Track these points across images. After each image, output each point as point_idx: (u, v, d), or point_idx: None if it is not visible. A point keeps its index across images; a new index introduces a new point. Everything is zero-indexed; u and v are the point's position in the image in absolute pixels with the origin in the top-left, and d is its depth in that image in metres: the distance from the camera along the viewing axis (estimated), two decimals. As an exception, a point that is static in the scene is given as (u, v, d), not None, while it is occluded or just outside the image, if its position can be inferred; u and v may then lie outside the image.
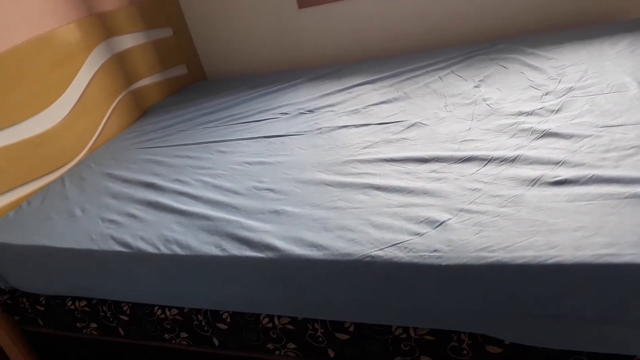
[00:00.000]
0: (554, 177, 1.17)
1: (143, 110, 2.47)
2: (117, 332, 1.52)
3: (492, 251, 1.00)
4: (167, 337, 1.45)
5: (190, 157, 1.81)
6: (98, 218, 1.53)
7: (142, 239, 1.37)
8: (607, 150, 1.21)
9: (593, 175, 1.13)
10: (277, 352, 1.32)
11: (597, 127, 1.32)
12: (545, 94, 1.58)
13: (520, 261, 0.96)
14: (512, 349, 1.05)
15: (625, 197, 1.04)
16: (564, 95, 1.54)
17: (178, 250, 1.29)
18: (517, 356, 1.05)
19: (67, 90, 2.01)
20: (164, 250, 1.31)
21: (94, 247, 1.40)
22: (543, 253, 0.96)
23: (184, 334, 1.42)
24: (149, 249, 1.33)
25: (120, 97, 2.32)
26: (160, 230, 1.38)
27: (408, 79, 2.03)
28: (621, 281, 0.90)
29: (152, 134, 2.14)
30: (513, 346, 1.04)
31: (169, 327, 1.42)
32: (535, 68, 1.79)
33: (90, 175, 1.86)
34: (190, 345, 1.43)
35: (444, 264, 1.02)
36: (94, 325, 1.53)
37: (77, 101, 2.06)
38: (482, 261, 0.99)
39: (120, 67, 2.31)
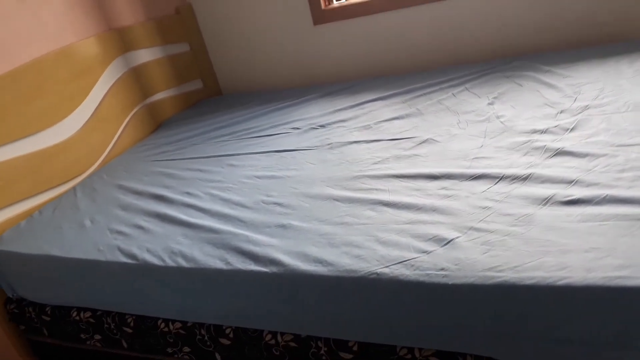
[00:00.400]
0: (566, 197, 1.13)
1: (158, 124, 2.49)
2: (120, 345, 1.51)
3: (501, 271, 0.97)
4: (170, 351, 1.43)
5: (201, 171, 1.82)
6: (107, 229, 1.54)
7: (149, 250, 1.37)
8: (622, 170, 1.17)
9: (607, 195, 1.10)
10: (280, 370, 1.30)
11: (612, 146, 1.28)
12: (560, 112, 1.55)
13: (529, 282, 0.93)
14: (521, 374, 1.01)
15: (639, 219, 1.00)
16: (580, 113, 1.51)
17: (183, 263, 1.29)
18: (526, 382, 1.01)
19: (83, 103, 2.04)
20: (169, 262, 1.30)
21: (101, 258, 1.40)
22: (553, 274, 0.93)
23: (186, 349, 1.40)
24: (155, 260, 1.32)
25: (135, 110, 2.35)
26: (167, 242, 1.38)
27: (421, 95, 2.02)
28: (634, 305, 0.86)
29: (165, 147, 2.15)
30: (522, 371, 1.00)
31: (172, 341, 1.41)
32: (550, 86, 1.76)
33: (101, 186, 1.88)
34: (193, 360, 1.41)
35: (450, 283, 0.99)
36: (97, 336, 1.53)
37: (93, 114, 2.09)
38: (490, 281, 0.96)
39: (137, 80, 2.35)
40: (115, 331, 1.49)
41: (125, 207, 1.66)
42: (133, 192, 1.76)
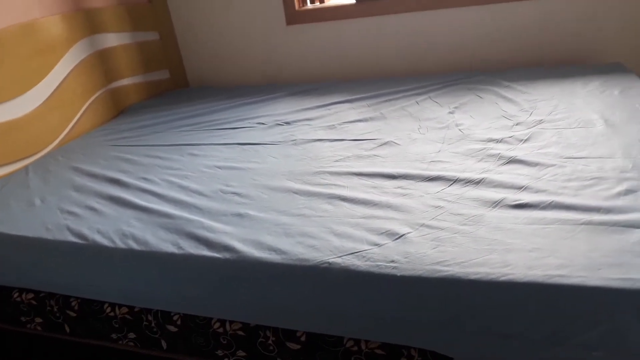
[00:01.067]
0: (515, 201, 1.18)
1: (120, 110, 2.44)
2: (62, 329, 1.46)
3: (448, 265, 1.00)
4: (115, 337, 1.40)
5: (160, 158, 1.79)
6: (57, 209, 1.50)
7: (99, 231, 1.34)
8: (569, 180, 1.23)
9: (553, 201, 1.15)
10: (226, 359, 1.28)
11: (561, 158, 1.34)
12: (516, 124, 1.62)
13: (473, 276, 0.96)
14: (462, 368, 1.03)
15: (581, 224, 1.05)
16: (534, 126, 1.58)
17: (134, 245, 1.26)
18: (466, 375, 1.04)
19: (43, 80, 1.98)
20: (120, 244, 1.28)
21: (49, 236, 1.36)
22: (497, 270, 0.96)
23: (132, 335, 1.37)
24: (105, 242, 1.29)
25: (97, 94, 2.29)
26: (119, 225, 1.35)
27: (386, 101, 2.05)
28: (570, 302, 0.90)
29: (125, 133, 2.11)
30: (462, 365, 1.03)
31: (117, 326, 1.37)
32: (509, 100, 1.83)
33: (56, 167, 1.83)
34: (138, 347, 1.38)
35: (399, 274, 1.01)
36: (38, 320, 1.47)
37: (53, 93, 2.03)
38: (437, 274, 0.99)
39: (101, 64, 2.30)
40: (58, 314, 1.44)
41: (79, 189, 1.62)
42: (88, 175, 1.72)
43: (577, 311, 0.90)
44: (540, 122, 1.60)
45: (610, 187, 1.16)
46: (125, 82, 2.46)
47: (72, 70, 2.13)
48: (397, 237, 1.12)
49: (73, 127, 2.15)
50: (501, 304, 0.95)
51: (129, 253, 1.26)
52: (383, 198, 1.30)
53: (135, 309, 1.33)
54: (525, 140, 1.49)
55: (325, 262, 1.08)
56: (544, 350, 0.95)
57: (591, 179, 1.21)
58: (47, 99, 2.00)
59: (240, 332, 1.23)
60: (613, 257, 0.94)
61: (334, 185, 1.42)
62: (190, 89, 2.75)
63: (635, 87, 1.74)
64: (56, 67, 2.05)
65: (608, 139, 1.40)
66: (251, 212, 1.33)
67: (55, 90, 2.05)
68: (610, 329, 0.89)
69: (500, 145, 1.49)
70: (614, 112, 1.57)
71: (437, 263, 1.01)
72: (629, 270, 0.90)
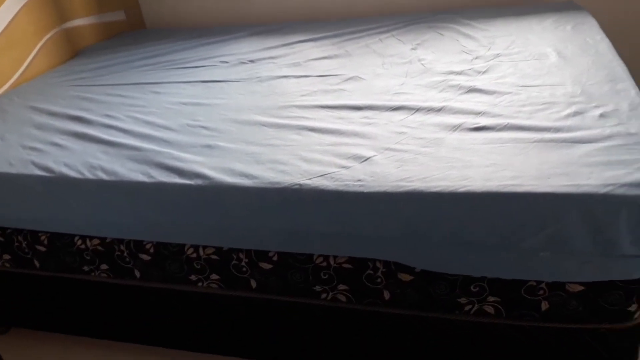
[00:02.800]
0: (473, 124, 1.25)
1: (75, 52, 2.35)
2: (31, 264, 1.46)
3: (411, 181, 1.07)
4: (87, 270, 1.41)
5: (122, 96, 1.76)
6: (19, 145, 1.47)
7: (66, 165, 1.33)
8: (523, 105, 1.30)
9: (508, 123, 1.22)
10: (200, 284, 1.33)
11: (517, 87, 1.41)
12: (475, 58, 1.67)
13: (434, 189, 1.03)
14: (422, 276, 1.12)
15: (534, 142, 1.13)
16: (492, 59, 1.64)
17: (103, 176, 1.27)
18: (426, 283, 1.13)
19: (-10, 18, 1.88)
20: (88, 175, 1.28)
21: (12, 171, 1.34)
22: (456, 183, 1.03)
23: (104, 266, 1.39)
24: (72, 174, 1.29)
25: (50, 34, 2.19)
26: (86, 158, 1.35)
27: (350, 39, 2.06)
28: (522, 209, 0.99)
29: (83, 74, 2.05)
30: (423, 273, 1.12)
31: (89, 258, 1.39)
32: (468, 36, 1.88)
33: (12, 107, 1.77)
34: (111, 277, 1.41)
35: (365, 191, 1.07)
36: (7, 256, 1.47)
37: (1, 32, 1.93)
38: (401, 189, 1.05)
39: (53, 2, 2.19)
40: (26, 250, 1.44)
41: (40, 127, 1.58)
42: (48, 114, 1.68)
43: (527, 217, 0.99)
44: (498, 55, 1.66)
45: (560, 110, 1.24)
46: (79, 22, 2.35)
47: (21, 9, 2.02)
48: (363, 159, 1.17)
49: (26, 69, 2.06)
50: (460, 214, 1.03)
51: (99, 184, 1.26)
52: (350, 127, 1.34)
53: (107, 240, 1.35)
54: (484, 72, 1.56)
55: (296, 184, 1.13)
56: (497, 255, 1.04)
57: (543, 103, 1.29)
58: (-4, 38, 1.91)
59: (214, 256, 1.27)
60: (561, 168, 1.03)
61: (302, 117, 1.45)
62: (147, 31, 2.66)
63: (587, 22, 1.82)
64: (4, 5, 1.94)
65: (560, 69, 1.47)
66: (220, 144, 1.34)
67: (4, 29, 1.95)
68: (556, 232, 0.98)
69: (460, 77, 1.54)
70: (566, 45, 1.64)
71: (401, 180, 1.08)
72: (574, 178, 0.99)
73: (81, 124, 1.56)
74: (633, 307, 1.05)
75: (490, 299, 1.11)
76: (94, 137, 1.45)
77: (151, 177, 1.24)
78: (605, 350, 1.12)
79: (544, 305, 1.09)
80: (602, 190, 0.95)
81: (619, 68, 1.41)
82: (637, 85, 1.31)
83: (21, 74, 2.04)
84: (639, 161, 1.01)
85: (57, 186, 1.30)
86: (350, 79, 1.68)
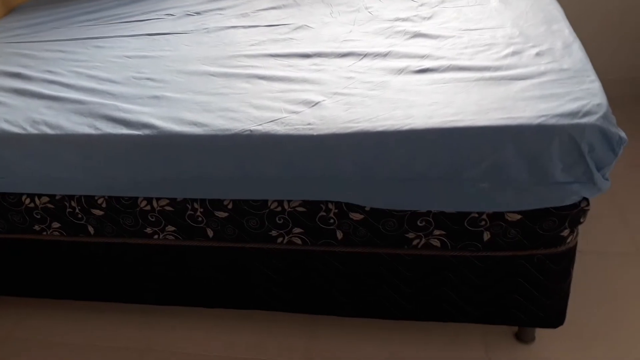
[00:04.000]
0: (418, 67, 1.28)
1: (8, 10, 2.22)
2: (-21, 227, 1.42)
3: (358, 122, 1.10)
4: (38, 229, 1.39)
5: (63, 52, 1.69)
6: (-48, 104, 1.40)
7: (7, 121, 1.29)
8: (465, 47, 1.34)
9: (450, 65, 1.26)
10: (156, 237, 1.34)
11: (460, 30, 1.45)
12: (421, 5, 1.69)
13: (380, 129, 1.07)
14: (372, 214, 1.17)
15: (474, 80, 1.18)
16: (437, 6, 1.66)
17: (47, 130, 1.24)
18: (376, 221, 1.18)
19: None
20: (32, 130, 1.25)
21: (-53, 130, 1.29)
22: (401, 122, 1.07)
23: (56, 224, 1.37)
24: (15, 129, 1.26)
25: (-22, -12, 2.06)
26: (28, 114, 1.31)
27: (298, -10, 2.04)
28: (462, 143, 1.04)
29: (19, 31, 1.94)
30: (372, 211, 1.16)
31: (39, 217, 1.36)
32: (415, -16, 1.89)
33: (-58, 66, 1.67)
34: (64, 236, 1.39)
35: (315, 134, 1.10)
36: (-49, 220, 1.42)
37: None
38: (349, 130, 1.08)
39: (-22, -48, 2.04)
40: (-28, 212, 1.40)
41: (-26, 85, 1.51)
42: (-18, 72, 1.60)
43: (467, 150, 1.05)
44: (443, 1, 1.68)
45: (499, 50, 1.29)
46: (9, -25, 2.21)
47: (-58, -41, 1.88)
48: (312, 104, 1.19)
49: (-46, 25, 1.93)
50: (405, 151, 1.07)
51: (43, 138, 1.23)
52: (299, 74, 1.35)
53: (57, 197, 1.33)
54: (429, 18, 1.58)
55: (247, 130, 1.14)
56: (441, 188, 1.10)
57: (484, 45, 1.33)
58: None
59: (168, 208, 1.28)
60: (498, 103, 1.08)
61: (251, 66, 1.44)
62: (86, -14, 2.53)
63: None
64: None
65: (500, 14, 1.52)
66: (168, 94, 1.33)
67: None
68: (494, 163, 1.04)
69: (405, 23, 1.56)
70: (507, -9, 1.69)
71: (349, 121, 1.11)
72: (510, 112, 1.04)
73: (21, 80, 1.50)
74: (565, 232, 1.14)
75: (436, 232, 1.18)
76: (36, 92, 1.41)
77: (97, 129, 1.22)
78: (542, 273, 1.21)
79: (486, 236, 1.17)
80: (536, 122, 1.01)
81: (555, 10, 1.47)
82: (571, 26, 1.37)
83: (-51, 33, 1.91)
84: (570, 94, 1.08)
85: (-2, 143, 1.26)
86: (298, 27, 1.67)
